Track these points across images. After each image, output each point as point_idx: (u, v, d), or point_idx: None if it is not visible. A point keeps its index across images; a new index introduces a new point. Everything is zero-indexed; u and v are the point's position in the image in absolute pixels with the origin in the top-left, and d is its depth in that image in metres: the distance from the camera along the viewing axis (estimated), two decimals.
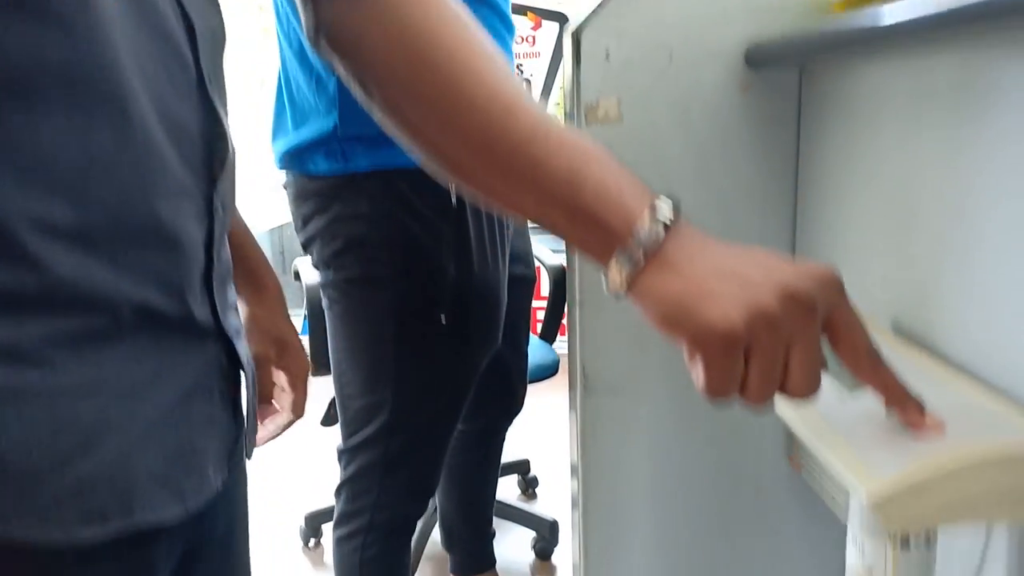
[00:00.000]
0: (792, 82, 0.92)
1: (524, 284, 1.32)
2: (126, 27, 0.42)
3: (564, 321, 2.51)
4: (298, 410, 0.77)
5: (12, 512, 0.39)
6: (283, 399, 0.77)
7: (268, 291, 0.77)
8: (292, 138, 1.11)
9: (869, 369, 0.44)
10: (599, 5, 0.90)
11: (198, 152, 0.49)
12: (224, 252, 0.55)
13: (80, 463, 0.41)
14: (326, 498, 1.98)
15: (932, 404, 0.45)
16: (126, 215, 0.43)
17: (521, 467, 2.18)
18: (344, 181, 1.06)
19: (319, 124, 1.06)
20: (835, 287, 0.43)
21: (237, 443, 0.58)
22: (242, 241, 0.75)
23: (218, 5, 0.54)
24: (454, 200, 1.04)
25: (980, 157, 0.62)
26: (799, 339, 0.42)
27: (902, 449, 0.44)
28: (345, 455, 1.20)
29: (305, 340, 1.73)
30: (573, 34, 0.90)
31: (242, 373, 0.57)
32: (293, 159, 1.11)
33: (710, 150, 0.93)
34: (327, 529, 1.98)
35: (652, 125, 0.92)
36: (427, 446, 1.19)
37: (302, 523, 1.97)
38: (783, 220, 0.95)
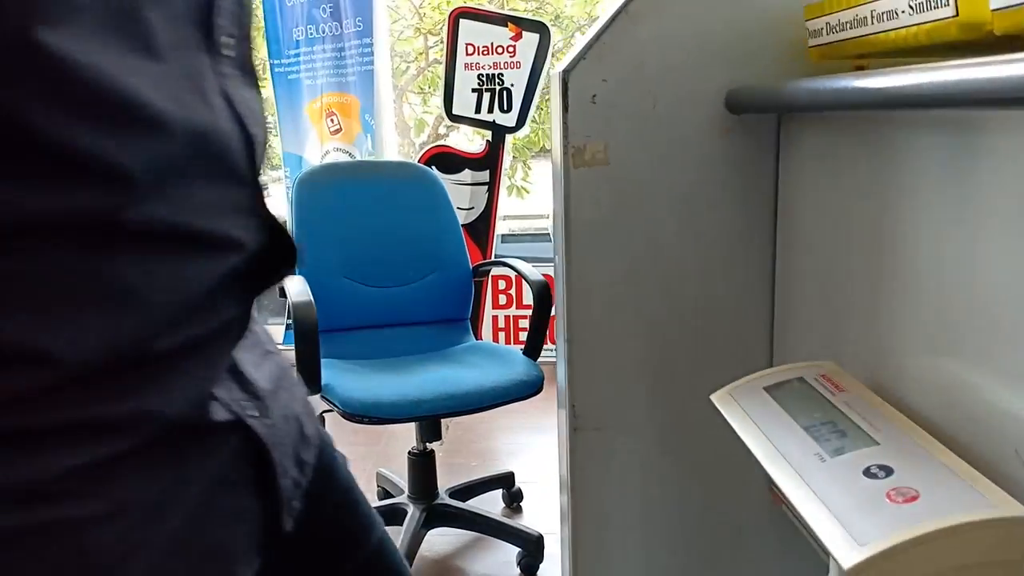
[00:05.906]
0: (771, 127, 0.95)
1: None
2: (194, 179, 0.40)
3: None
4: None
5: None
6: None
7: None
8: None
9: None
10: (586, 50, 0.92)
11: (250, 271, 0.46)
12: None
13: None
14: None
15: (909, 472, 0.48)
16: (157, 337, 0.40)
17: (506, 480, 2.19)
18: None
19: None
20: None
21: (274, 522, 0.53)
22: None
23: (259, 86, 0.49)
24: None
25: (956, 211, 0.66)
26: None
27: (878, 519, 0.47)
28: None
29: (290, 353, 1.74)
30: (562, 78, 0.93)
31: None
32: None
33: (693, 192, 0.96)
34: None
35: (637, 167, 0.95)
36: None
37: None
38: (763, 259, 0.98)
